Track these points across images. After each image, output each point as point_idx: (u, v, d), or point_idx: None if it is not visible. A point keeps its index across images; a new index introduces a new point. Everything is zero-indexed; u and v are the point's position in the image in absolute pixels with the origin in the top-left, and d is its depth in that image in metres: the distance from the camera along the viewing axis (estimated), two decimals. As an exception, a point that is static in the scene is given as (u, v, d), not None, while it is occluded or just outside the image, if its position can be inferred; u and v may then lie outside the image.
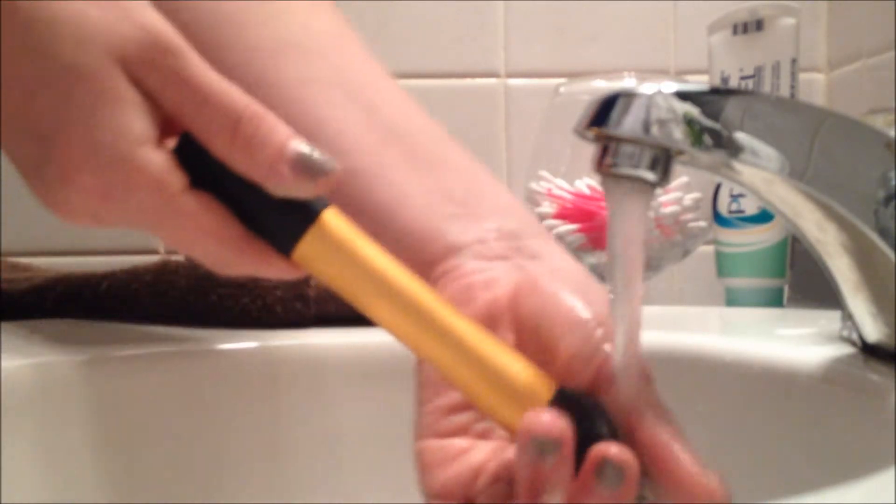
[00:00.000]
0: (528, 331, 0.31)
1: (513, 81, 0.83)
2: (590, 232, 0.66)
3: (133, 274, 0.56)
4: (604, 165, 0.28)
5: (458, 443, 0.31)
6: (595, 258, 0.67)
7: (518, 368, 0.29)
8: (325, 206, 0.28)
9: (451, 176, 0.36)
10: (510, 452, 0.30)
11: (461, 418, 0.31)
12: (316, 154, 0.28)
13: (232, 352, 0.47)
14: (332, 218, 0.28)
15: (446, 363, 0.29)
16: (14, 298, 0.56)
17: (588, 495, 0.27)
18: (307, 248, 0.27)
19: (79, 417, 0.43)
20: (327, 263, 0.28)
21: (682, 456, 0.29)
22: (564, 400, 0.28)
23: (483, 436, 0.31)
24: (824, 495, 0.21)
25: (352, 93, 0.38)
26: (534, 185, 0.69)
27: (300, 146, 0.28)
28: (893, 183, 0.31)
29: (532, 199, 0.69)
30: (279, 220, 0.27)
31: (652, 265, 0.67)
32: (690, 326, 0.57)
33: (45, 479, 0.42)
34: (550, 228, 0.67)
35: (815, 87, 0.83)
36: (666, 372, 0.46)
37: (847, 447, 0.36)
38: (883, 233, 0.31)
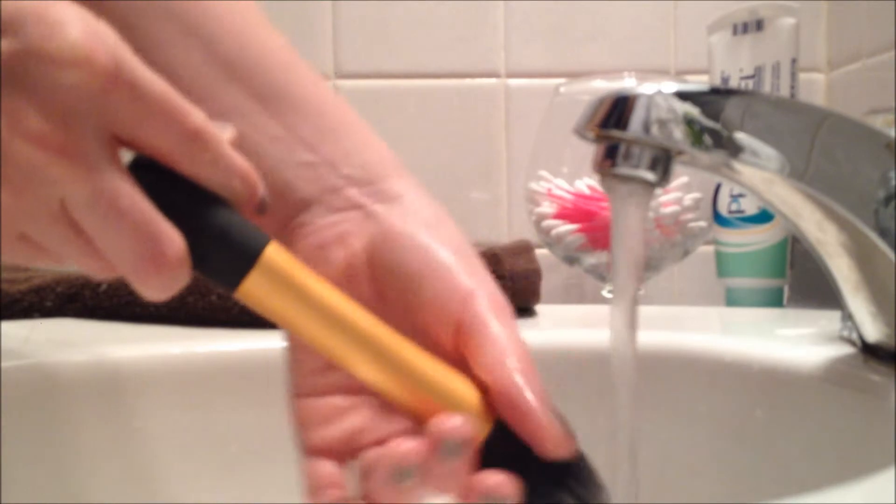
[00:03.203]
0: (388, 280, 0.31)
1: (513, 81, 0.83)
2: (590, 232, 0.66)
3: (133, 274, 0.56)
4: (604, 165, 0.28)
5: (337, 401, 0.32)
6: (595, 258, 0.67)
7: (467, 394, 0.29)
8: (266, 241, 0.28)
9: (300, 113, 0.34)
10: (391, 420, 0.30)
11: (336, 376, 0.31)
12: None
13: (232, 352, 0.47)
14: (276, 254, 0.28)
15: (393, 390, 0.29)
16: (14, 298, 0.56)
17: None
18: (251, 284, 0.27)
19: (79, 417, 0.43)
20: (272, 299, 0.28)
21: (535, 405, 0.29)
22: (501, 432, 0.29)
23: (357, 391, 0.31)
24: (824, 495, 0.21)
25: (189, 26, 0.34)
26: (534, 185, 0.69)
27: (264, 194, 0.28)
28: (893, 183, 0.31)
29: (532, 199, 0.69)
30: (225, 257, 0.27)
31: (652, 265, 0.67)
32: (690, 326, 0.57)
33: (45, 479, 0.42)
34: (549, 228, 0.67)
35: (815, 87, 0.83)
36: (666, 372, 0.46)
37: (847, 447, 0.36)
38: (883, 233, 0.31)
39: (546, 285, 0.62)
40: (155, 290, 0.26)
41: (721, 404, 0.43)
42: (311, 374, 0.32)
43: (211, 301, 0.54)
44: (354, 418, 0.31)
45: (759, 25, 0.67)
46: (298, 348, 0.32)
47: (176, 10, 0.34)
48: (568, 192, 0.67)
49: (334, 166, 0.33)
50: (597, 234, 0.66)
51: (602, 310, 0.63)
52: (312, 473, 0.31)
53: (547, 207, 0.67)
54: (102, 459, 0.44)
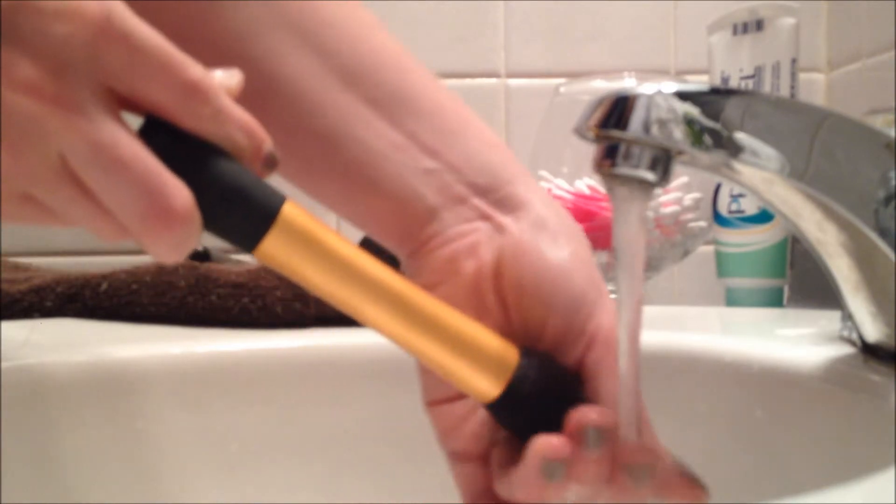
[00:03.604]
0: (513, 300, 0.31)
1: (513, 81, 0.83)
2: (590, 232, 0.66)
3: (133, 274, 0.56)
4: (604, 165, 0.28)
5: (468, 403, 0.32)
6: (595, 258, 0.67)
7: (486, 341, 0.29)
8: (283, 200, 0.27)
9: (419, 117, 0.33)
10: None
11: None
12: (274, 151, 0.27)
13: (232, 352, 0.47)
14: (293, 212, 0.27)
15: (416, 345, 0.29)
16: (14, 298, 0.56)
17: (577, 461, 0.28)
18: (270, 244, 0.27)
19: (79, 418, 0.43)
20: (290, 258, 0.27)
21: (671, 459, 0.29)
22: (530, 361, 0.29)
23: None
24: (824, 495, 0.21)
25: (304, 34, 0.33)
26: (534, 185, 0.69)
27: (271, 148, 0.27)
28: (893, 183, 0.31)
29: (532, 199, 0.69)
30: (240, 216, 0.27)
31: (652, 265, 0.67)
32: (690, 326, 0.57)
33: (45, 478, 0.42)
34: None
35: (815, 87, 0.83)
36: (666, 372, 0.46)
37: (847, 447, 0.36)
38: (883, 233, 0.31)
39: (546, 285, 0.62)
40: (166, 248, 0.25)
41: (721, 404, 0.43)
42: (439, 379, 0.31)
43: (211, 301, 0.54)
44: (481, 417, 0.32)
45: (759, 25, 0.67)
46: None
47: (291, 18, 0.33)
48: (568, 192, 0.67)
49: (457, 172, 0.32)
50: (597, 234, 0.66)
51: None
52: (462, 480, 0.32)
53: (547, 207, 0.67)
54: (102, 459, 0.44)
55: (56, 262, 0.76)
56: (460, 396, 0.32)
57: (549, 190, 0.68)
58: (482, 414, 0.32)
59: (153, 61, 0.24)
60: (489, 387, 0.29)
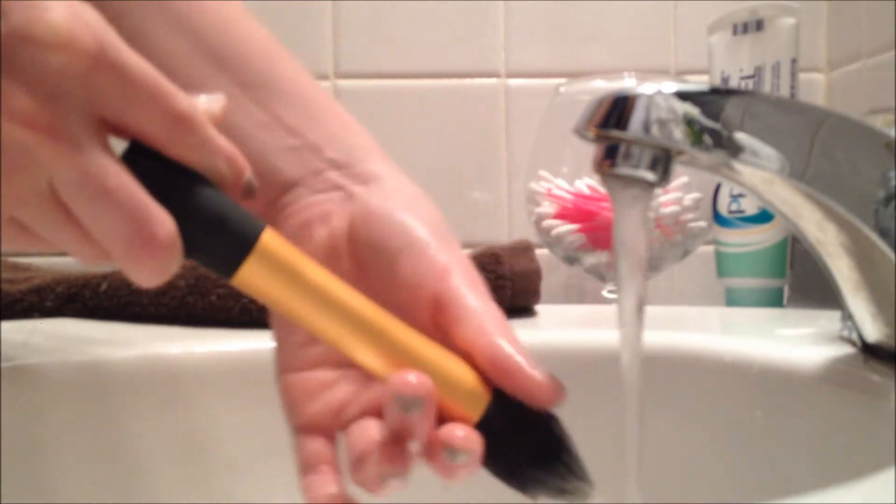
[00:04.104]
0: (368, 257, 0.32)
1: (513, 81, 0.83)
2: (590, 232, 0.66)
3: (133, 274, 0.56)
4: (604, 166, 0.28)
5: (322, 374, 0.32)
6: (595, 258, 0.67)
7: (462, 375, 0.29)
8: (262, 228, 0.28)
9: (284, 101, 0.35)
10: (374, 389, 0.31)
11: (319, 350, 0.32)
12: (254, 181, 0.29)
13: (232, 352, 0.47)
14: (272, 240, 0.28)
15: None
16: (14, 298, 0.56)
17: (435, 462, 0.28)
18: (248, 271, 0.27)
19: (79, 418, 0.43)
20: (268, 286, 0.28)
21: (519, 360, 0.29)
22: (500, 398, 0.29)
23: (342, 364, 0.32)
24: (824, 495, 0.21)
25: (177, 19, 0.35)
26: (534, 185, 0.69)
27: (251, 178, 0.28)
28: (893, 183, 0.31)
29: (532, 199, 0.69)
30: (220, 243, 0.27)
31: (652, 265, 0.67)
32: (690, 326, 0.57)
33: (45, 478, 0.42)
34: (549, 228, 0.67)
35: (815, 87, 0.83)
36: (666, 372, 0.46)
37: (847, 447, 0.36)
38: (883, 233, 0.31)
39: (546, 285, 0.62)
40: (147, 275, 0.26)
41: (721, 404, 0.43)
42: (295, 348, 0.33)
43: (211, 301, 0.54)
44: (339, 391, 0.32)
45: (759, 25, 0.67)
46: (283, 325, 0.34)
47: (164, 4, 0.35)
48: (568, 192, 0.67)
49: (318, 150, 0.34)
50: (597, 234, 0.66)
51: (602, 310, 0.63)
52: (304, 451, 0.32)
53: (547, 207, 0.67)
54: (101, 459, 0.44)
55: (56, 262, 0.76)
56: (319, 364, 0.32)
57: (549, 190, 0.68)
58: (344, 389, 0.32)
59: (144, 92, 0.25)
60: (466, 416, 0.29)
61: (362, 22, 0.82)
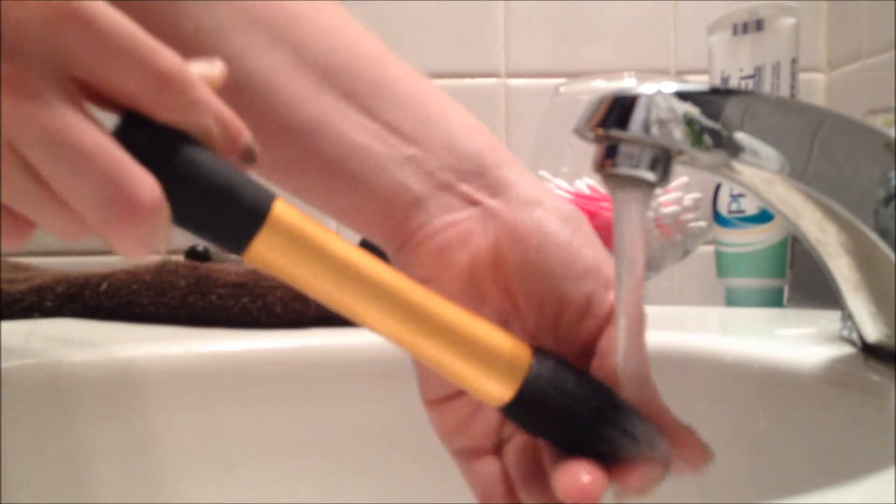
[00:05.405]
0: (520, 285, 0.30)
1: (513, 81, 0.83)
2: (590, 232, 0.66)
3: (133, 274, 0.56)
4: (604, 166, 0.28)
5: (466, 399, 0.31)
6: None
7: (495, 341, 0.28)
8: (273, 198, 0.25)
9: (397, 106, 0.32)
10: None
11: None
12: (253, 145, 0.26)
13: (232, 352, 0.47)
14: (284, 210, 0.26)
15: (422, 348, 0.28)
16: (14, 298, 0.56)
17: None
18: (261, 245, 0.25)
19: (79, 418, 0.43)
20: (284, 260, 0.26)
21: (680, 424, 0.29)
22: (542, 361, 0.28)
23: None
24: (824, 495, 0.21)
25: (276, 32, 0.33)
26: (534, 185, 0.69)
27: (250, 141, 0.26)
28: (893, 183, 0.31)
29: (532, 199, 0.69)
30: (227, 216, 0.25)
31: (652, 265, 0.67)
32: (690, 326, 0.57)
33: (45, 478, 0.42)
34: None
35: (815, 87, 0.83)
36: (666, 372, 0.46)
37: (847, 447, 0.36)
38: (883, 233, 0.31)
39: (546, 285, 0.62)
40: (131, 243, 0.23)
41: (721, 404, 0.43)
42: (436, 376, 0.30)
43: (211, 301, 0.54)
44: (488, 412, 0.31)
45: (759, 25, 0.67)
46: None
47: (262, 17, 0.33)
48: (568, 192, 0.67)
49: (441, 158, 0.32)
50: (597, 233, 0.66)
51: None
52: (473, 477, 0.31)
53: (547, 207, 0.67)
54: (102, 459, 0.44)
55: (56, 262, 0.76)
56: (462, 392, 0.31)
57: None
58: (490, 409, 0.31)
59: (118, 48, 0.23)
60: (501, 390, 0.28)
61: (362, 22, 0.82)
